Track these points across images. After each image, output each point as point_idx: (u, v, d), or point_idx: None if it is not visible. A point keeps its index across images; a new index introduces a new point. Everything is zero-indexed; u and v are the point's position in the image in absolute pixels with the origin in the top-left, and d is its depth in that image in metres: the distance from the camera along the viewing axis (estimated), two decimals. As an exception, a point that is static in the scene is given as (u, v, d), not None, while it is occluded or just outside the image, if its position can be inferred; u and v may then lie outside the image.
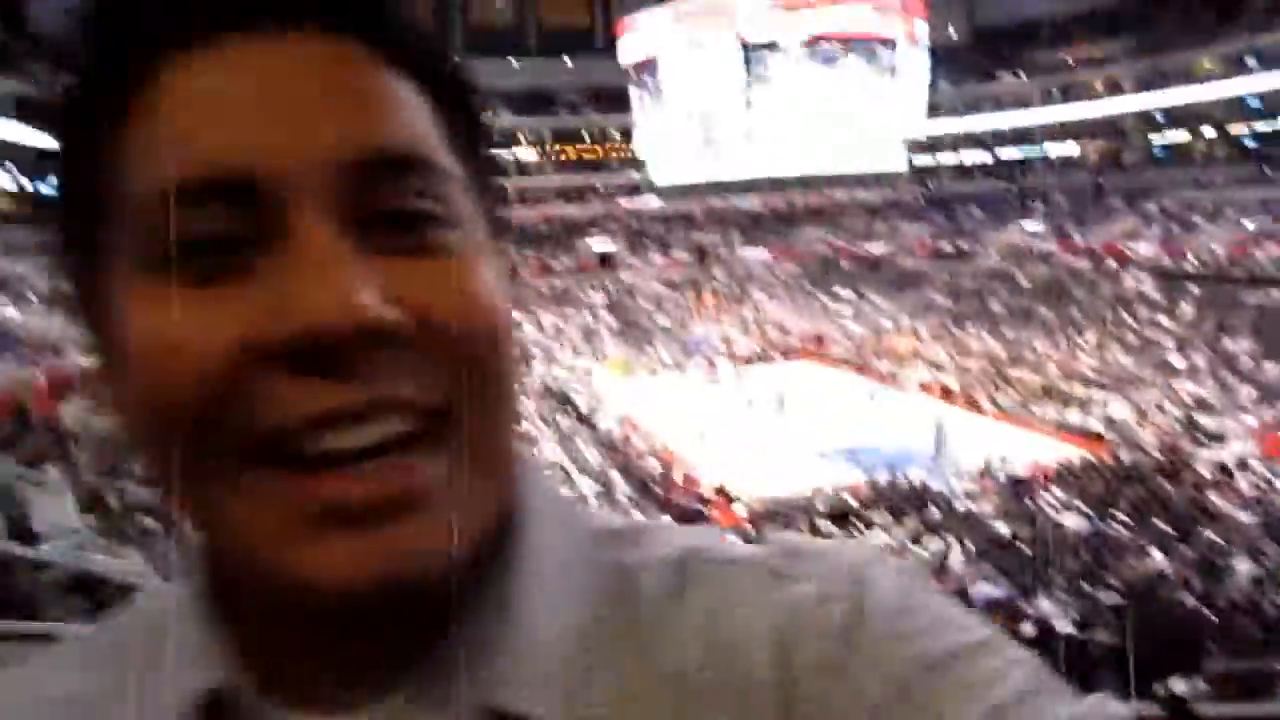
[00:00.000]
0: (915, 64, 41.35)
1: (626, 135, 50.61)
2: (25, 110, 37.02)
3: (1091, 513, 14.81)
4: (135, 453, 0.44)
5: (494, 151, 0.52)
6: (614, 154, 53.84)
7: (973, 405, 26.53)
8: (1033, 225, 42.03)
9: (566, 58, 53.51)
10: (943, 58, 46.56)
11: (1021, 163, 49.29)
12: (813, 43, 40.04)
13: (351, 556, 0.40)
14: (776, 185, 48.36)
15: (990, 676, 0.45)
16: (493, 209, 0.50)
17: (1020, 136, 49.41)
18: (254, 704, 0.46)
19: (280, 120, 0.41)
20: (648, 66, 44.02)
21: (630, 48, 44.96)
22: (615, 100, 49.37)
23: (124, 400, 0.44)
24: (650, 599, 0.49)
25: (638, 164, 49.44)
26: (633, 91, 46.17)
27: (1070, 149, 47.91)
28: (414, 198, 0.43)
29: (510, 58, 54.52)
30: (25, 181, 36.98)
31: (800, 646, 0.47)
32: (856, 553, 0.51)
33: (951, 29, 52.56)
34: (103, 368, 0.46)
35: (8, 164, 35.94)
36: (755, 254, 47.98)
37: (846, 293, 41.59)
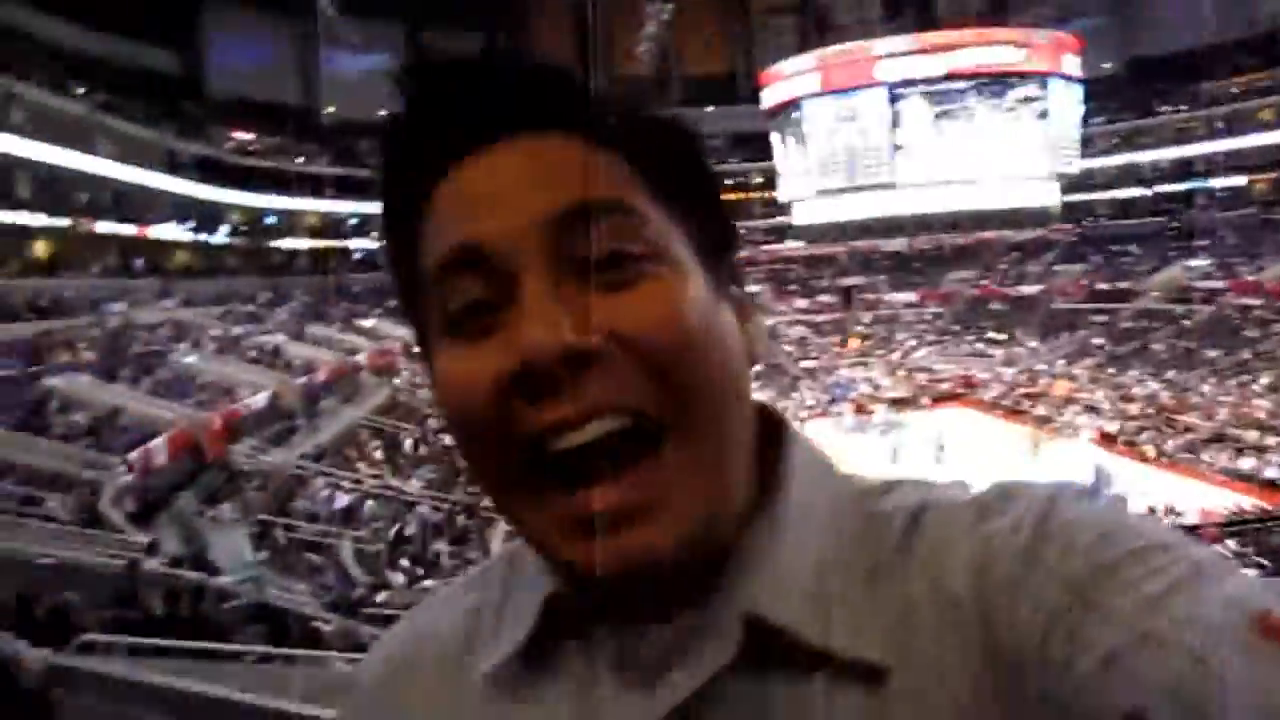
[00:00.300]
0: (1067, 99, 40.30)
1: (769, 180, 50.77)
2: (205, 169, 39.87)
3: (1269, 564, 13.97)
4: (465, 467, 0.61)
5: (709, 193, 0.64)
6: (757, 198, 54.05)
7: (1135, 451, 25.33)
8: (1197, 262, 40.07)
9: (710, 106, 54.16)
10: (1098, 91, 45.16)
11: (1185, 197, 47.16)
12: (954, 80, 39.46)
13: (605, 554, 0.54)
14: (922, 225, 47.65)
15: (1152, 572, 0.50)
16: (705, 229, 0.62)
17: (1182, 171, 47.32)
18: (578, 610, 0.61)
19: (501, 203, 0.56)
20: (790, 110, 44.16)
21: (773, 94, 45.22)
22: (756, 145, 49.67)
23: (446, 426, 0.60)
24: (892, 540, 0.60)
25: (781, 208, 49.49)
26: (774, 136, 46.35)
27: (1236, 181, 45.55)
28: (612, 239, 0.55)
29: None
30: (203, 236, 39.62)
31: (993, 569, 0.55)
32: (1053, 487, 0.59)
33: (1107, 62, 51.02)
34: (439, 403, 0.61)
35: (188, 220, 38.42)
36: (902, 296, 47.24)
37: (998, 335, 40.45)
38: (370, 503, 18.80)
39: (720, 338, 0.58)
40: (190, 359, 25.35)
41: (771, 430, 0.65)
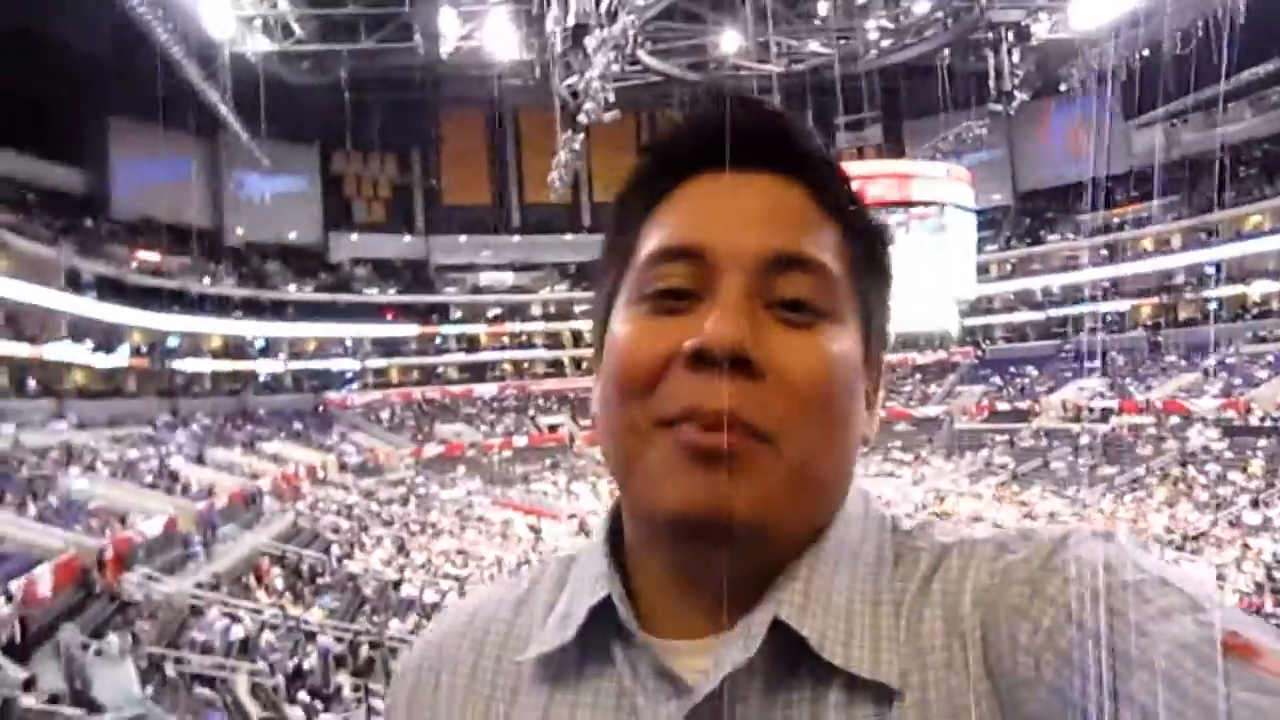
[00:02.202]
0: (962, 227, 42.08)
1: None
2: (107, 289, 38.97)
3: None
4: (597, 425, 0.71)
5: (885, 292, 0.75)
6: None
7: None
8: (1090, 383, 41.66)
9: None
10: (991, 221, 47.29)
11: (1075, 321, 49.29)
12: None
13: (695, 487, 0.63)
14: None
15: (1144, 602, 0.55)
16: (874, 318, 0.73)
17: (1071, 296, 49.56)
18: (629, 620, 0.68)
19: (731, 221, 0.68)
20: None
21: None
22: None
23: (600, 383, 0.71)
24: (919, 576, 0.68)
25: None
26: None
27: (1122, 306, 47.88)
28: (802, 289, 0.66)
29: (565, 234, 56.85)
30: (100, 356, 38.48)
31: (1000, 597, 0.62)
32: (1069, 528, 0.66)
33: (997, 194, 53.64)
34: (596, 359, 0.73)
35: (86, 340, 37.36)
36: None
37: (905, 455, 41.19)
38: (268, 633, 18.03)
39: (850, 403, 0.68)
40: (82, 483, 24.31)
41: None
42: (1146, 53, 28.62)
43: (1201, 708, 0.50)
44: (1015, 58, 28.86)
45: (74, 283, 37.31)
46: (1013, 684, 0.59)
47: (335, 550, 26.75)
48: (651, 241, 0.70)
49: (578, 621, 0.70)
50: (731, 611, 0.66)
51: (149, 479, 28.03)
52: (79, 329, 37.07)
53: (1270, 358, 36.90)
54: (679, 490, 0.63)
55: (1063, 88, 35.55)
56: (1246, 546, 23.38)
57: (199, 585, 20.24)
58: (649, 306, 0.68)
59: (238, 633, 17.67)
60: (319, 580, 23.65)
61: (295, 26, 35.55)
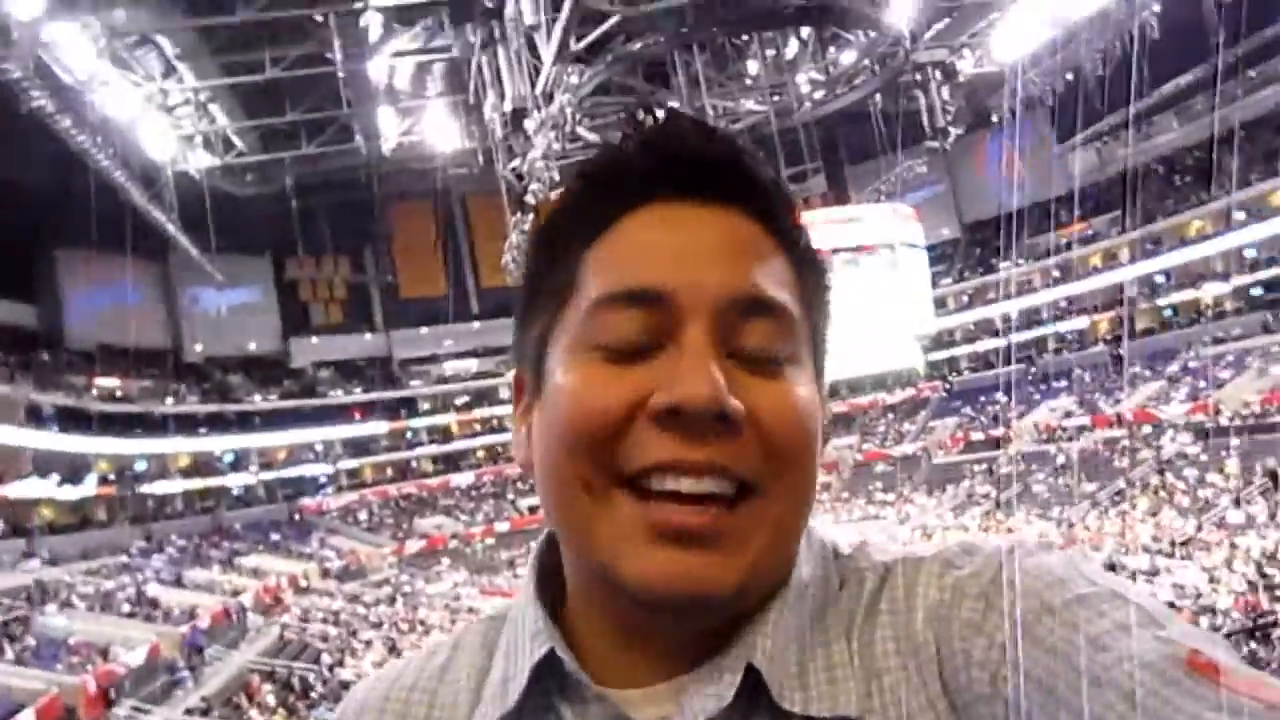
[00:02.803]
0: (915, 264, 42.61)
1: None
2: (66, 419, 38.43)
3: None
4: (536, 483, 0.66)
5: (827, 320, 0.71)
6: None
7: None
8: (1059, 403, 42.00)
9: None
10: (943, 255, 47.87)
11: (1036, 344, 49.84)
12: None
13: (667, 567, 0.59)
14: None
15: (1098, 615, 0.55)
16: (821, 350, 0.70)
17: (1030, 319, 50.13)
18: (577, 673, 0.64)
19: (687, 260, 0.62)
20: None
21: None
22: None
23: (539, 434, 0.65)
24: (865, 597, 0.66)
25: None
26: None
27: (1080, 323, 48.50)
28: (766, 337, 0.63)
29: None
30: (67, 489, 37.79)
31: (953, 613, 0.61)
32: (1012, 541, 0.65)
33: (945, 228, 54.44)
34: (530, 410, 0.68)
35: (52, 474, 36.70)
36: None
37: (887, 496, 41.18)
38: (266, 752, 17.56)
39: (817, 442, 0.65)
40: (58, 620, 23.74)
41: None
42: (1070, 77, 29.42)
43: None
44: (945, 95, 29.49)
45: (35, 417, 36.78)
46: (969, 700, 0.58)
47: (326, 659, 26.20)
48: (599, 282, 0.63)
49: (520, 686, 0.65)
50: (692, 656, 0.64)
51: (127, 608, 27.41)
52: (43, 463, 36.45)
53: (1230, 357, 37.43)
54: (656, 567, 0.59)
55: (994, 119, 36.38)
56: (1234, 546, 23.46)
57: (188, 712, 19.74)
58: (605, 352, 0.62)
59: (234, 756, 17.21)
60: (312, 693, 23.12)
61: (235, 139, 35.73)
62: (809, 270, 0.69)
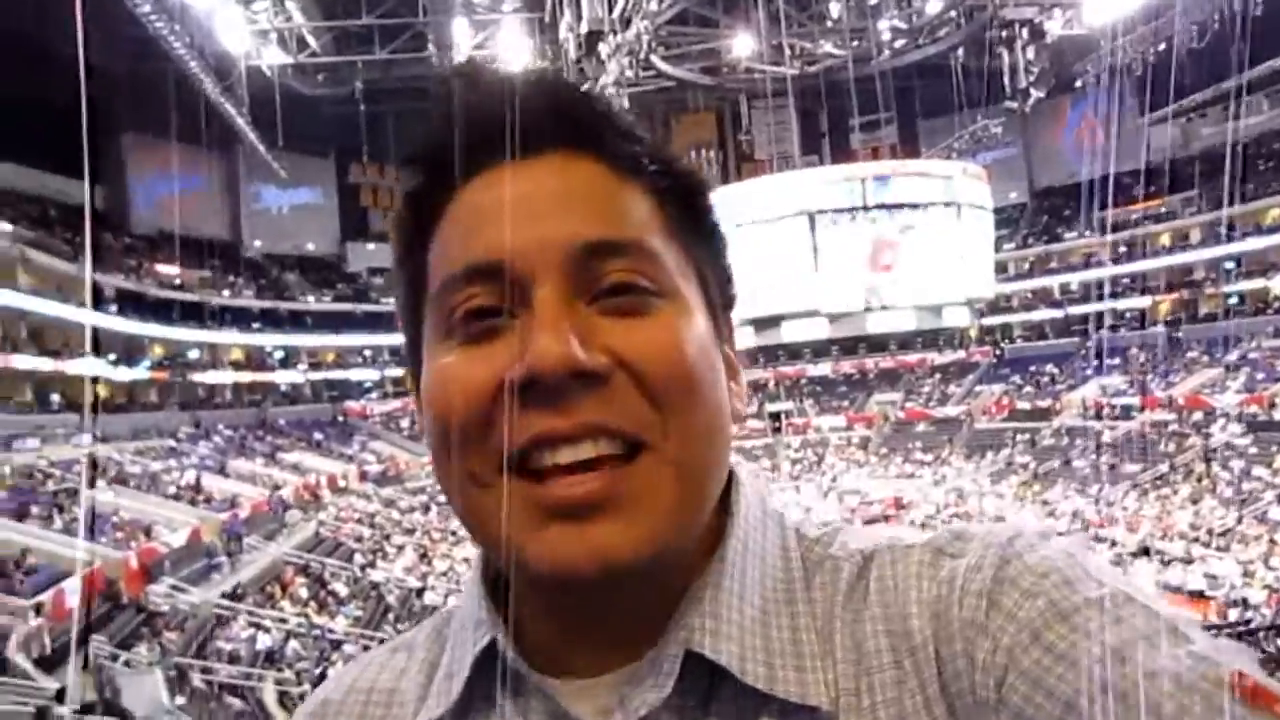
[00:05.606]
0: (979, 226, 41.93)
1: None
2: (127, 303, 39.27)
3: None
4: (435, 466, 0.61)
5: (716, 246, 0.68)
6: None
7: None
8: (1111, 380, 41.39)
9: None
10: (1008, 219, 47.03)
11: (1095, 318, 48.99)
12: (871, 210, 40.88)
13: (566, 544, 0.55)
14: (847, 351, 48.55)
15: (1114, 622, 0.51)
16: (711, 281, 0.66)
17: (1090, 293, 49.26)
18: (516, 663, 0.61)
19: (524, 221, 0.57)
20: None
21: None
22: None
23: (425, 433, 0.61)
24: (843, 586, 0.61)
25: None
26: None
27: (1142, 302, 47.55)
28: (626, 273, 0.58)
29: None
30: (121, 370, 38.68)
31: (953, 610, 0.56)
32: (1009, 530, 0.60)
33: (1014, 192, 53.38)
34: (418, 401, 0.63)
35: (108, 354, 37.54)
36: (830, 420, 47.79)
37: (925, 456, 41.06)
38: (294, 642, 18.10)
39: (713, 377, 0.60)
40: (106, 496, 24.47)
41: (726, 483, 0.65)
42: (1162, 48, 28.47)
43: None
44: (1030, 55, 28.74)
45: (95, 297, 37.58)
46: (971, 707, 0.54)
47: (358, 559, 26.85)
48: (440, 266, 0.60)
49: (463, 678, 0.63)
50: (634, 642, 0.60)
51: (172, 491, 28.19)
52: (100, 343, 37.32)
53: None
54: (554, 547, 0.55)
55: (1078, 84, 35.40)
56: (1273, 542, 23.16)
57: (224, 595, 20.35)
58: (459, 338, 0.59)
59: (264, 642, 17.76)
60: (343, 589, 23.74)
61: (310, 39, 35.79)
62: (673, 198, 0.64)
